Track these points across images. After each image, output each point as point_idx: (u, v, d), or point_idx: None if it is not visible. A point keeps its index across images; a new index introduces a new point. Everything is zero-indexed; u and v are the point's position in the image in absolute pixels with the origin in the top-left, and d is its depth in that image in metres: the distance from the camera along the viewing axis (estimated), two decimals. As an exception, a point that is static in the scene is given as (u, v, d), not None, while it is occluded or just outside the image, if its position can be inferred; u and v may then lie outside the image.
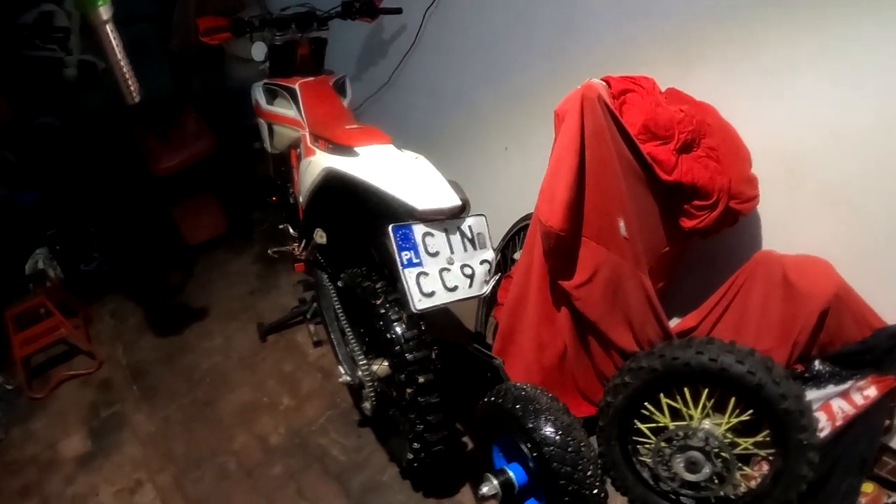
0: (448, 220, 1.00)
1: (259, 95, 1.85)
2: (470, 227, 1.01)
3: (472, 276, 0.97)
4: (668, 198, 1.31)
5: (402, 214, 1.01)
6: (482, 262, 1.00)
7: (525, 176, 1.72)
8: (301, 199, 1.49)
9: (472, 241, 1.00)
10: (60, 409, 1.97)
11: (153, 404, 1.93)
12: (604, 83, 1.23)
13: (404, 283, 0.93)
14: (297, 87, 1.67)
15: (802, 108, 1.28)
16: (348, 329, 1.48)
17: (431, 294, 0.93)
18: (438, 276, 0.94)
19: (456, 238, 0.98)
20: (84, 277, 2.42)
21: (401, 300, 1.31)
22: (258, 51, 1.79)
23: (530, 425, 0.73)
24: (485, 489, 0.80)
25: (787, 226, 1.42)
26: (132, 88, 1.36)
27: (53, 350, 2.14)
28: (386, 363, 1.43)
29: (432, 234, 0.96)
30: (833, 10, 1.14)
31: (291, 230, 1.91)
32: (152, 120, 2.38)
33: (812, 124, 1.27)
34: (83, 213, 2.44)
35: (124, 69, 1.32)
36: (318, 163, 1.29)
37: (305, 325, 2.12)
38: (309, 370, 1.99)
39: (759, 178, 1.38)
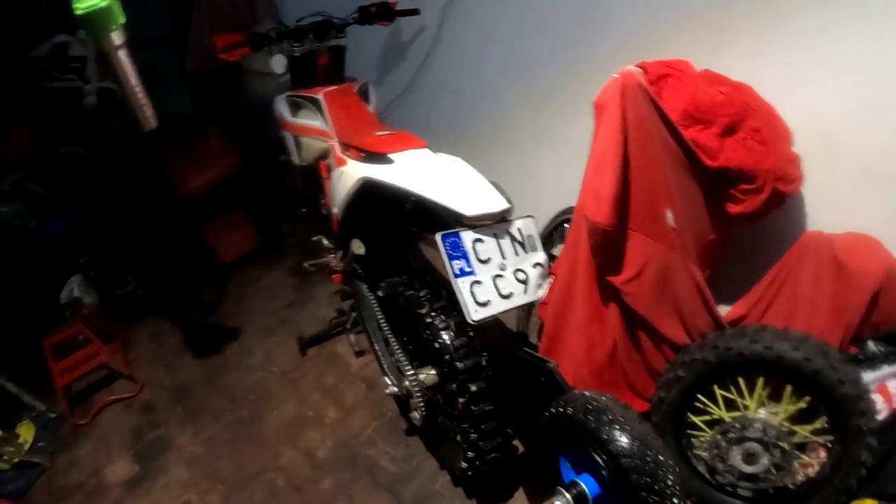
0: (496, 224, 1.00)
1: (283, 108, 1.88)
2: (519, 229, 1.01)
3: (525, 282, 0.97)
4: (712, 184, 1.30)
5: (449, 221, 1.01)
6: (535, 265, 1.00)
7: (560, 169, 1.71)
8: (336, 210, 1.51)
9: (522, 244, 1.00)
10: (104, 435, 2.03)
11: (197, 425, 1.97)
12: (640, 69, 1.21)
13: (458, 294, 0.93)
14: (321, 96, 1.70)
15: (840, 81, 1.25)
16: (392, 339, 1.50)
17: (486, 303, 0.94)
18: (492, 283, 0.94)
19: (506, 242, 0.98)
20: (120, 301, 2.49)
21: (446, 307, 1.32)
22: (278, 63, 1.82)
23: (605, 437, 0.72)
24: (557, 503, 0.80)
25: (832, 205, 1.40)
26: (148, 114, 1.39)
27: (94, 376, 2.20)
28: (433, 371, 1.45)
29: (482, 241, 0.96)
30: None
31: (325, 241, 1.94)
32: (176, 141, 2.44)
33: (851, 98, 1.25)
34: (114, 239, 2.52)
35: (139, 95, 1.35)
36: (352, 173, 1.31)
37: (346, 335, 2.16)
38: (352, 381, 2.03)
39: (801, 157, 1.35)
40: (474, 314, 0.93)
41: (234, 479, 1.76)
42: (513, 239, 1.00)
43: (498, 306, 0.94)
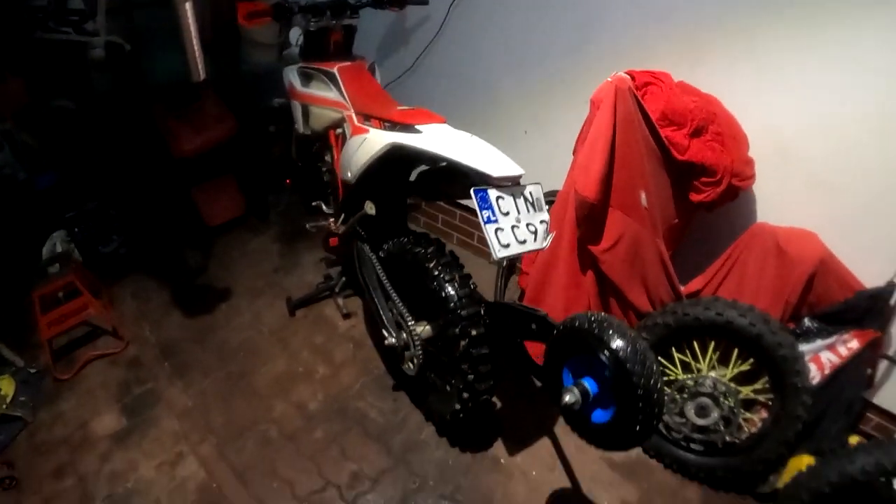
0: (513, 186, 1.29)
1: (293, 78, 2.10)
2: (531, 192, 1.31)
3: (535, 233, 1.27)
4: (680, 175, 1.66)
5: (468, 183, 1.29)
6: (541, 221, 1.29)
7: (544, 157, 2.01)
8: (349, 175, 1.76)
9: (532, 204, 1.30)
10: (89, 389, 2.12)
11: (187, 380, 2.13)
12: (628, 76, 1.55)
13: (486, 236, 1.21)
14: (335, 70, 1.93)
15: (795, 101, 1.63)
16: (394, 294, 1.76)
17: (507, 245, 1.23)
18: (511, 231, 1.23)
19: (520, 201, 1.28)
20: (102, 260, 2.59)
21: (450, 263, 1.61)
22: (294, 35, 2.04)
23: (605, 338, 1.02)
24: (567, 398, 1.07)
25: (779, 203, 1.80)
26: (199, 66, 1.59)
27: (76, 332, 2.30)
28: (429, 326, 1.73)
29: (503, 198, 1.25)
30: (821, 15, 1.50)
31: (325, 207, 2.17)
32: (173, 102, 2.59)
33: (803, 116, 1.63)
34: (102, 195, 2.62)
35: (195, 45, 1.55)
36: (377, 139, 1.57)
37: (333, 299, 2.40)
38: (340, 341, 2.27)
39: (756, 160, 1.74)
40: (499, 253, 1.22)
41: (226, 431, 1.94)
42: (525, 199, 1.30)
43: (516, 249, 1.24)
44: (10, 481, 1.80)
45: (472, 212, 2.55)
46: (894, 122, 1.48)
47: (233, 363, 2.19)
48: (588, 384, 1.07)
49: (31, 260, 2.34)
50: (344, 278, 2.41)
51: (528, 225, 1.25)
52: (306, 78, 2.08)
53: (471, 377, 1.57)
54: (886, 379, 1.79)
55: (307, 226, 2.11)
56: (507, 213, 1.23)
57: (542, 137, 2.21)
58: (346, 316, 2.37)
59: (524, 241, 1.23)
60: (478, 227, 2.64)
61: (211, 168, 2.71)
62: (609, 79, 1.53)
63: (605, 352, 1.02)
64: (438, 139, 1.40)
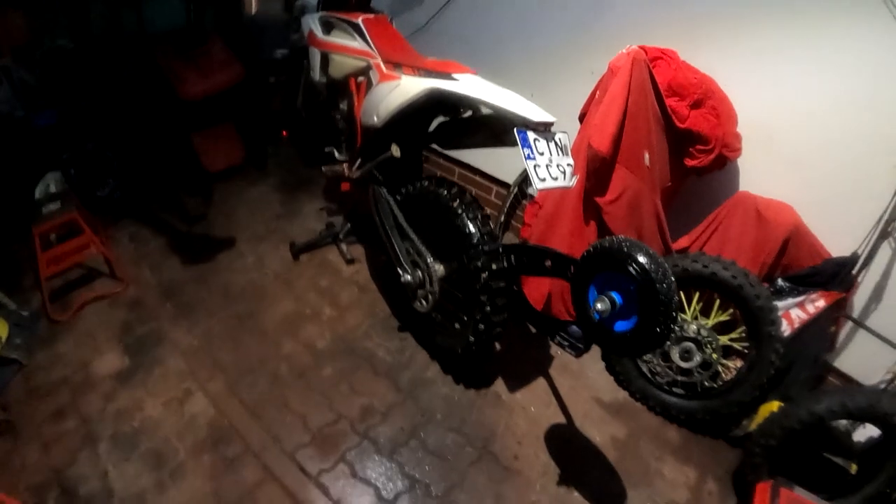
0: (546, 132, 1.54)
1: (314, 26, 2.28)
2: (560, 139, 1.57)
3: (564, 173, 1.53)
4: (678, 142, 1.98)
5: (517, 122, 1.53)
6: (568, 164, 1.56)
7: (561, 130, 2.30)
8: (375, 120, 1.96)
9: (561, 149, 1.56)
10: (89, 330, 2.21)
11: (192, 319, 2.27)
12: (641, 50, 1.84)
13: (528, 170, 1.46)
14: (360, 21, 2.14)
15: (781, 90, 1.97)
16: (413, 236, 1.99)
17: (544, 179, 1.48)
18: (546, 168, 1.48)
19: (552, 145, 1.53)
20: (97, 203, 2.66)
21: (472, 203, 1.85)
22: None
23: (634, 254, 1.30)
24: (600, 305, 1.35)
25: (760, 176, 2.15)
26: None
27: (71, 275, 2.38)
28: (442, 266, 1.97)
29: (539, 140, 1.50)
30: (807, 10, 1.84)
31: (337, 154, 2.36)
32: (179, 46, 2.69)
33: (787, 101, 1.98)
34: (100, 137, 2.69)
35: None
36: (414, 86, 1.78)
37: (337, 245, 2.61)
38: (345, 285, 2.48)
39: (744, 137, 2.07)
40: (539, 185, 1.47)
41: (235, 368, 2.11)
42: (556, 144, 1.55)
43: (550, 183, 1.49)
44: (4, 424, 1.84)
45: (472, 169, 2.83)
46: (858, 114, 1.84)
47: (238, 304, 2.35)
48: (615, 296, 1.34)
49: (24, 200, 2.38)
50: (349, 225, 2.62)
51: (558, 165, 1.52)
52: (328, 27, 2.27)
53: (488, 308, 1.82)
54: (846, 345, 2.16)
55: (322, 168, 2.29)
56: (542, 154, 1.49)
57: (547, 103, 2.45)
58: (350, 261, 2.59)
59: (556, 178, 1.49)
60: (476, 184, 2.92)
61: (213, 114, 2.83)
62: (625, 50, 1.83)
63: (634, 265, 1.29)
64: (476, 87, 1.65)
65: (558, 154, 1.54)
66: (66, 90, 2.54)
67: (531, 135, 1.49)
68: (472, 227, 1.79)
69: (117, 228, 2.66)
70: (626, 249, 1.32)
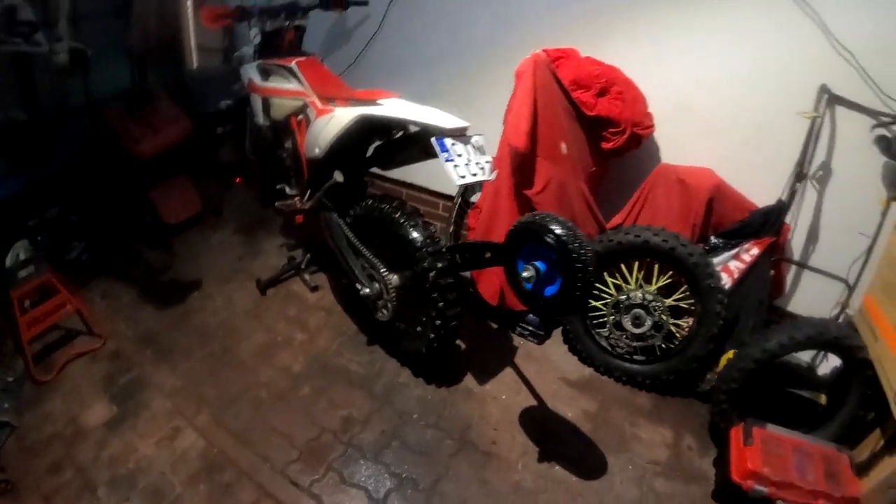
0: (462, 137, 1.87)
1: (253, 74, 2.61)
2: (475, 141, 1.89)
3: (483, 169, 1.84)
4: (592, 129, 2.32)
5: (435, 132, 1.85)
6: (486, 161, 1.88)
7: (477, 132, 2.62)
8: (317, 151, 2.27)
9: (478, 149, 1.88)
10: (73, 387, 2.43)
11: (172, 362, 2.52)
12: (544, 53, 2.20)
13: (448, 170, 1.77)
14: (293, 65, 2.47)
15: (683, 67, 2.34)
16: (366, 252, 2.28)
17: (464, 176, 1.79)
18: (465, 167, 1.80)
19: (469, 147, 1.85)
20: (66, 266, 2.87)
21: (412, 212, 2.16)
22: (254, 33, 2.57)
23: (551, 226, 1.59)
24: (525, 273, 1.65)
25: (679, 147, 2.50)
26: (194, 56, 2.09)
27: (50, 337, 2.61)
28: (396, 276, 2.26)
29: (455, 144, 1.82)
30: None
31: (288, 189, 2.66)
32: (127, 107, 3.00)
33: (690, 76, 2.34)
34: (63, 202, 2.95)
35: (192, 37, 2.05)
36: (345, 115, 2.10)
37: (300, 276, 2.90)
38: (312, 311, 2.77)
39: (656, 114, 2.42)
40: (458, 180, 1.78)
41: (219, 401, 2.35)
42: (472, 146, 1.87)
43: (470, 178, 1.80)
44: (4, 485, 2.02)
45: (418, 188, 3.18)
46: (756, 75, 2.21)
47: (214, 342, 2.61)
48: (539, 265, 1.65)
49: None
50: (308, 255, 2.92)
51: (476, 163, 1.84)
52: (265, 74, 2.60)
53: (441, 304, 2.11)
54: (795, 288, 2.48)
55: (276, 204, 2.59)
56: (460, 155, 1.81)
57: (475, 114, 2.79)
58: (314, 289, 2.89)
59: (475, 174, 1.81)
60: (424, 202, 3.27)
61: (167, 168, 3.13)
62: (528, 56, 2.18)
63: (551, 235, 1.60)
64: (398, 108, 1.98)
65: (476, 154, 1.87)
66: (25, 159, 2.82)
67: (448, 141, 1.81)
68: (414, 234, 2.10)
69: (89, 289, 2.91)
70: (543, 222, 1.63)
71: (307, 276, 2.93)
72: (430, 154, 2.06)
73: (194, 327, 2.69)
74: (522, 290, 1.72)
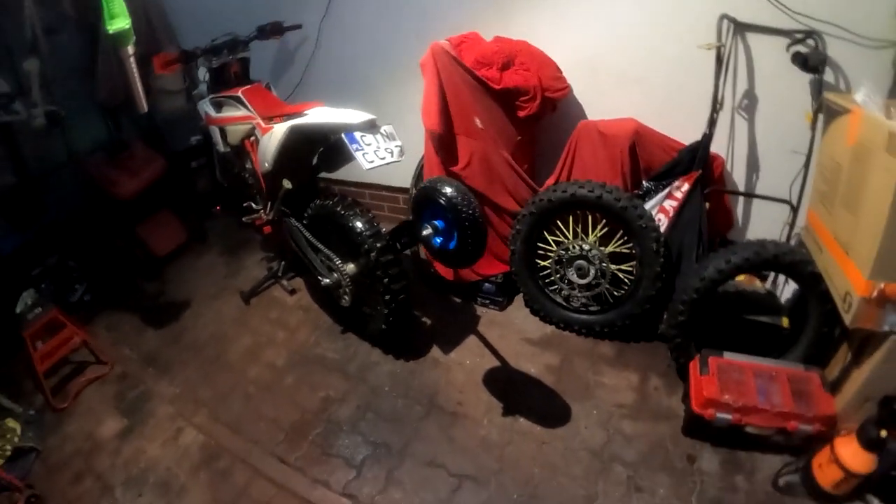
0: (373, 128, 2.25)
1: (208, 108, 3.06)
2: (385, 129, 2.25)
3: (391, 152, 2.22)
4: (505, 100, 2.66)
5: (344, 129, 2.23)
6: (396, 146, 2.25)
7: (417, 128, 2.88)
8: (267, 166, 2.69)
9: (387, 136, 2.25)
10: (88, 408, 2.89)
11: (171, 374, 2.96)
12: (446, 41, 2.58)
13: (357, 158, 2.16)
14: (240, 94, 2.90)
15: (587, 27, 2.64)
16: (322, 247, 2.68)
17: (372, 161, 2.16)
18: (373, 153, 2.17)
19: (379, 136, 2.22)
20: (71, 309, 3.37)
21: (351, 203, 2.54)
22: (201, 73, 3.04)
23: (440, 188, 1.95)
24: (424, 232, 2.02)
25: (600, 104, 2.81)
26: (143, 101, 2.58)
27: (63, 371, 3.09)
28: (352, 264, 2.64)
29: (364, 135, 2.19)
30: None
31: (254, 205, 3.10)
32: (106, 156, 3.52)
33: (597, 35, 2.64)
34: (60, 251, 3.47)
35: (138, 85, 2.54)
36: (280, 129, 2.50)
37: (278, 282, 3.34)
38: (292, 311, 3.18)
39: (571, 76, 2.73)
40: (367, 166, 2.14)
41: (213, 400, 2.76)
42: (382, 135, 2.24)
43: (378, 163, 2.15)
44: (34, 499, 2.46)
45: (377, 187, 3.60)
46: (658, 20, 2.48)
47: (207, 351, 3.04)
48: (437, 223, 2.01)
49: (6, 321, 3.07)
50: (283, 262, 3.35)
51: (386, 149, 2.22)
52: (218, 106, 3.05)
53: (386, 280, 2.47)
54: (745, 221, 2.74)
55: (243, 219, 3.03)
56: (369, 144, 2.19)
57: (412, 111, 3.18)
58: (292, 292, 3.32)
59: (383, 158, 2.19)
60: (384, 198, 3.69)
61: (150, 205, 3.62)
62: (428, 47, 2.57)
63: (442, 197, 1.97)
64: (318, 115, 2.38)
65: (385, 140, 2.24)
66: (21, 217, 3.34)
67: (358, 134, 2.19)
68: (355, 222, 2.46)
69: (94, 324, 3.40)
70: (436, 186, 1.99)
71: (285, 282, 3.36)
72: (357, 150, 2.47)
73: (189, 342, 3.13)
74: (433, 249, 2.08)
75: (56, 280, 3.42)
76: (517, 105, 2.67)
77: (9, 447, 2.67)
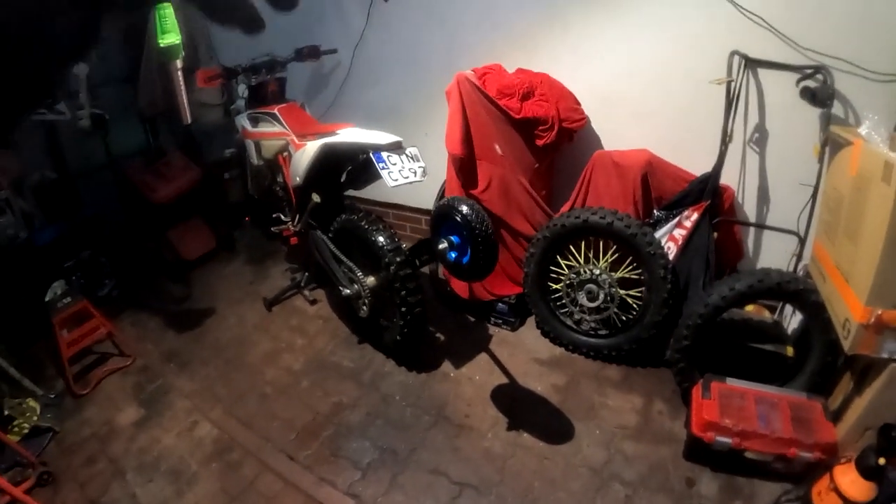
0: (398, 149, 2.48)
1: (245, 123, 3.35)
2: (410, 151, 2.49)
3: (415, 172, 2.44)
4: (525, 129, 2.89)
5: (373, 148, 2.47)
6: (419, 167, 2.47)
7: (442, 150, 3.12)
8: (298, 180, 2.93)
9: (412, 157, 2.48)
10: (107, 396, 3.12)
11: (191, 370, 3.18)
12: (471, 71, 2.82)
13: (383, 176, 2.38)
14: (276, 111, 3.19)
15: (605, 63, 2.90)
16: (345, 259, 2.89)
17: (396, 179, 2.39)
18: (398, 172, 2.40)
19: (404, 157, 2.46)
20: (98, 302, 3.58)
21: (375, 219, 2.76)
22: (241, 89, 3.32)
23: (459, 206, 2.15)
24: (440, 246, 2.23)
25: (614, 134, 3.04)
26: (187, 112, 2.85)
27: (86, 360, 3.34)
28: (372, 277, 2.84)
29: (391, 156, 2.43)
30: (604, 4, 2.78)
31: (283, 216, 3.34)
32: (144, 162, 3.85)
33: (614, 70, 2.89)
34: (93, 246, 3.76)
35: (184, 98, 2.81)
36: (313, 147, 2.76)
37: (300, 292, 3.58)
38: (311, 320, 3.40)
39: (589, 108, 2.98)
40: (392, 183, 2.37)
41: (230, 397, 2.97)
42: (407, 156, 2.48)
43: (402, 181, 2.39)
44: (47, 476, 2.65)
45: (401, 207, 3.87)
46: (670, 57, 2.71)
47: (227, 352, 3.27)
48: (453, 238, 2.22)
49: (36, 308, 3.31)
50: (307, 273, 3.60)
51: (410, 169, 2.45)
52: (254, 121, 3.34)
53: (403, 293, 2.67)
54: (756, 251, 2.88)
55: (272, 228, 3.29)
56: (394, 164, 2.43)
57: (437, 136, 3.41)
58: (313, 302, 3.55)
59: (407, 177, 2.42)
60: (407, 218, 3.95)
61: (183, 211, 3.92)
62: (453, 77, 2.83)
63: (458, 214, 2.17)
64: (350, 134, 2.64)
65: (410, 161, 2.48)
66: (58, 211, 3.64)
67: (385, 154, 2.44)
68: (378, 237, 2.69)
69: (119, 319, 3.66)
70: (453, 204, 2.20)
71: (307, 292, 3.60)
72: (384, 169, 2.70)
73: (210, 342, 3.37)
74: (448, 263, 2.29)
75: (87, 274, 3.71)
76: (536, 134, 2.89)
77: (27, 425, 2.89)
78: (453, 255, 2.27)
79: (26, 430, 2.88)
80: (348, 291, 2.89)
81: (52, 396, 3.14)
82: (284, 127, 3.12)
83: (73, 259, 3.66)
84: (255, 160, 3.37)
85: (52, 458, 2.78)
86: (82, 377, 3.26)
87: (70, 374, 3.15)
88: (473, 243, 2.14)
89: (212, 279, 3.99)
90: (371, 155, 2.44)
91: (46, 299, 3.31)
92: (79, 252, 3.70)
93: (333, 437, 2.68)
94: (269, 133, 3.23)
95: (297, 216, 3.20)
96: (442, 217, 2.27)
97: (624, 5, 2.76)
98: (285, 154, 3.18)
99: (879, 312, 1.89)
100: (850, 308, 2.00)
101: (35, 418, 2.93)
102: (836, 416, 2.22)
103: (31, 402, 3.02)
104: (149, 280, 4.02)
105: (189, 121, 3.05)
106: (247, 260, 4.17)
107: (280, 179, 3.32)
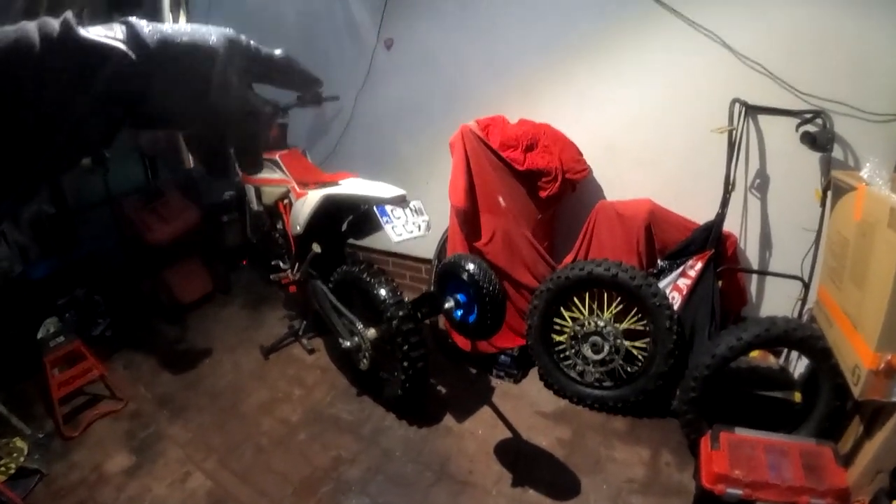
0: (402, 202, 2.55)
1: (245, 168, 3.41)
2: (414, 205, 2.57)
3: (419, 226, 2.51)
4: (528, 181, 2.99)
5: (376, 202, 2.55)
6: (423, 221, 2.55)
7: (442, 199, 3.26)
8: (298, 229, 3.00)
9: (415, 211, 2.56)
10: (98, 441, 3.14)
11: (185, 418, 3.22)
12: (474, 122, 2.91)
13: (387, 231, 2.44)
14: (277, 157, 3.27)
15: (607, 114, 3.04)
16: (345, 311, 2.94)
17: (400, 234, 2.45)
18: (402, 226, 2.47)
19: (408, 211, 2.54)
20: (91, 341, 3.65)
21: (377, 271, 2.82)
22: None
23: (464, 264, 2.22)
24: (447, 304, 2.27)
25: (617, 184, 3.15)
26: (190, 157, 2.92)
27: (77, 401, 3.37)
28: (373, 329, 2.89)
29: (396, 209, 2.51)
30: (601, 47, 2.91)
31: (282, 264, 3.39)
32: (142, 201, 3.92)
33: (616, 119, 3.02)
34: (88, 284, 3.82)
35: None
36: (315, 197, 2.84)
37: (298, 341, 3.63)
38: (309, 370, 3.45)
39: (590, 158, 3.09)
40: (396, 238, 2.45)
41: (225, 448, 3.01)
42: (411, 210, 2.56)
43: (406, 236, 2.47)
44: None
45: (402, 256, 3.92)
46: (670, 106, 2.83)
47: (222, 400, 3.32)
48: (459, 297, 2.27)
49: (28, 344, 3.33)
50: (305, 322, 3.66)
51: (413, 223, 2.52)
52: (255, 166, 3.40)
53: (406, 347, 2.72)
54: (759, 298, 2.97)
55: (271, 276, 3.35)
56: (398, 218, 2.50)
57: (438, 185, 3.56)
58: (311, 351, 3.61)
59: (411, 231, 2.49)
60: (407, 267, 4.00)
61: (179, 253, 3.99)
62: (457, 129, 2.92)
63: (465, 273, 2.23)
64: (353, 186, 2.71)
65: (413, 215, 2.55)
66: (54, 246, 3.70)
67: (388, 207, 2.51)
68: (380, 289, 2.76)
69: (112, 360, 3.71)
70: (459, 262, 2.26)
71: (305, 341, 3.66)
72: (384, 221, 2.77)
73: (205, 389, 3.42)
74: (455, 322, 2.34)
75: (81, 312, 3.77)
76: (539, 185, 2.98)
77: (13, 465, 2.89)
78: (459, 314, 2.32)
79: (13, 471, 2.88)
80: (348, 344, 2.93)
81: (41, 436, 3.16)
82: (285, 174, 3.20)
83: (67, 296, 3.72)
84: (254, 205, 3.45)
85: (38, 501, 2.79)
86: (72, 418, 3.28)
87: (60, 415, 3.17)
88: (480, 303, 2.20)
89: (207, 323, 4.06)
90: (375, 209, 2.51)
91: (39, 336, 3.35)
92: (73, 289, 3.76)
93: (332, 494, 2.70)
94: (269, 180, 3.31)
95: (297, 264, 3.26)
96: (447, 274, 2.34)
97: (625, 54, 2.91)
98: (286, 201, 3.26)
99: (889, 357, 1.94)
100: (859, 354, 2.06)
101: (22, 459, 2.95)
102: (846, 461, 2.25)
103: (19, 442, 3.04)
104: (143, 321, 4.08)
105: (191, 165, 3.12)
106: (243, 304, 4.25)
107: (280, 226, 3.39)
